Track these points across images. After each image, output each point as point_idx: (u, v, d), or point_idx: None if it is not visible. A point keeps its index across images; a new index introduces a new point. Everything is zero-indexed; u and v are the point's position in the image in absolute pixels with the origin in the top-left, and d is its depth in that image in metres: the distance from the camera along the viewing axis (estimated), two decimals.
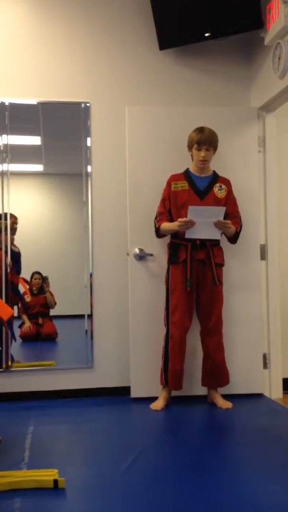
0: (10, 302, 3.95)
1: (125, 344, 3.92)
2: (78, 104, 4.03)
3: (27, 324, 4.34)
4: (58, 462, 2.71)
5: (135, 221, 3.90)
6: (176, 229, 3.59)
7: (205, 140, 3.60)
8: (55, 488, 2.41)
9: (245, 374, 3.92)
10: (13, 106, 3.96)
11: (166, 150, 3.92)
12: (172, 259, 3.68)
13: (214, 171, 3.75)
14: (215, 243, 3.66)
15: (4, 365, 3.91)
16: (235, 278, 3.91)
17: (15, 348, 4.11)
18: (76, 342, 4.22)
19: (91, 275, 4.04)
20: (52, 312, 4.42)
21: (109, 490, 2.43)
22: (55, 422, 3.44)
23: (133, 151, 3.91)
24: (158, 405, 3.67)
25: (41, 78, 3.99)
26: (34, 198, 4.41)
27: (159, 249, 3.87)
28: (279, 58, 3.53)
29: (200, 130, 3.63)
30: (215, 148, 3.67)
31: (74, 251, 4.21)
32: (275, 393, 4.06)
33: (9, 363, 3.93)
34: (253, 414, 3.62)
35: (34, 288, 4.35)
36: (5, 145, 3.97)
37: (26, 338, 4.33)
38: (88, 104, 4.03)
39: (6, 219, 3.98)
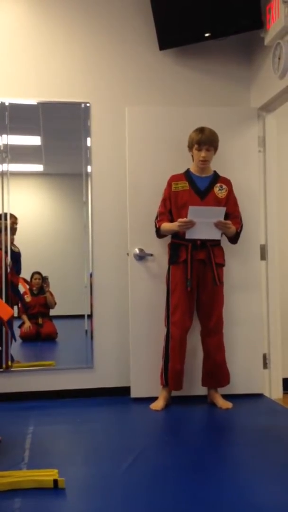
0: (10, 302, 3.95)
1: (125, 344, 3.92)
2: (78, 104, 4.03)
3: (27, 324, 4.34)
4: (58, 462, 2.71)
5: (135, 221, 3.90)
6: (177, 229, 3.59)
7: (205, 140, 3.60)
8: (55, 488, 2.41)
9: (245, 374, 3.92)
10: (13, 106, 3.96)
11: (166, 150, 3.92)
12: (173, 259, 3.68)
13: (214, 171, 3.75)
14: (216, 243, 3.66)
15: (4, 365, 3.91)
16: (235, 278, 3.91)
17: (15, 348, 4.11)
18: (76, 342, 4.22)
19: (91, 275, 4.04)
20: (52, 312, 4.42)
21: (109, 490, 2.43)
22: (55, 422, 3.44)
23: (133, 151, 3.91)
24: (158, 405, 3.67)
25: (41, 78, 3.99)
26: (34, 198, 4.41)
27: (159, 249, 3.87)
28: (279, 58, 3.53)
29: (201, 130, 3.63)
30: (215, 148, 3.67)
31: (74, 251, 4.21)
32: (275, 393, 4.06)
33: (9, 363, 3.93)
34: (253, 414, 3.62)
35: (34, 288, 4.35)
36: (5, 145, 3.97)
37: (26, 338, 4.33)
38: (88, 104, 4.03)
39: (6, 219, 3.98)
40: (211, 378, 3.74)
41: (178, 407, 3.70)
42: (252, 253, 3.98)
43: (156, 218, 3.74)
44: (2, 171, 3.96)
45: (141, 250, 3.88)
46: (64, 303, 4.39)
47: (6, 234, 3.98)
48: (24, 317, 4.34)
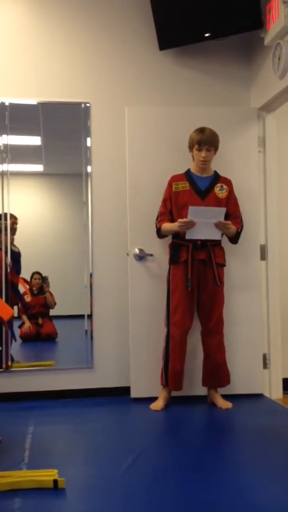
0: (10, 302, 3.95)
1: (125, 344, 3.92)
2: (78, 104, 4.03)
3: (27, 324, 4.34)
4: (58, 462, 2.71)
5: (135, 221, 3.90)
6: (177, 229, 3.59)
7: (205, 141, 3.60)
8: (55, 488, 2.41)
9: (245, 374, 3.92)
10: (13, 106, 3.96)
11: (166, 150, 3.91)
12: (173, 259, 3.68)
13: (215, 171, 3.75)
14: (216, 243, 3.66)
15: (4, 365, 3.91)
16: (235, 278, 3.91)
17: (15, 348, 4.11)
18: (76, 342, 4.22)
19: (91, 275, 4.04)
20: (52, 312, 4.42)
21: (109, 490, 2.43)
22: (55, 422, 3.44)
23: (133, 151, 3.91)
24: (158, 405, 3.67)
25: (41, 78, 3.99)
26: (34, 198, 4.41)
27: (159, 250, 3.87)
28: (279, 59, 3.53)
29: (201, 130, 3.63)
30: (216, 148, 3.67)
31: (74, 251, 4.21)
32: (275, 393, 4.06)
33: (9, 363, 3.93)
34: (253, 414, 3.62)
35: (34, 288, 4.35)
36: (5, 145, 3.97)
37: (26, 338, 4.33)
38: (88, 104, 4.03)
39: (6, 219, 3.98)
40: (212, 378, 3.74)
41: (178, 407, 3.70)
42: (252, 253, 3.98)
43: (157, 218, 3.74)
44: (2, 171, 3.96)
45: (141, 250, 3.88)
46: (64, 303, 4.39)
47: (6, 234, 3.98)
48: (24, 317, 4.34)
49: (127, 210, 3.92)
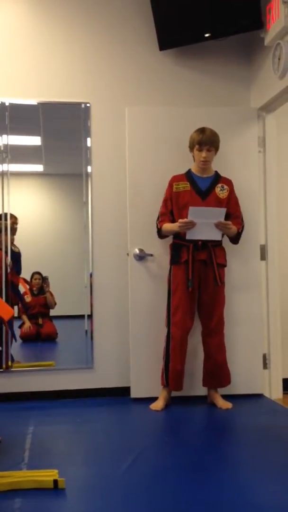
0: (10, 302, 3.94)
1: (125, 344, 3.92)
2: (78, 104, 4.03)
3: (27, 324, 4.34)
4: (58, 462, 2.71)
5: (135, 221, 3.90)
6: (177, 229, 3.59)
7: (206, 141, 3.60)
8: (55, 488, 2.41)
9: (245, 374, 3.92)
10: (13, 106, 3.96)
11: (166, 151, 3.92)
12: (174, 260, 3.68)
13: (216, 172, 3.75)
14: (217, 243, 3.66)
15: (4, 365, 3.91)
16: (235, 279, 3.91)
17: (15, 348, 4.11)
18: (76, 342, 4.22)
19: (91, 275, 4.04)
20: (52, 312, 4.42)
21: (109, 490, 2.43)
22: (55, 422, 3.44)
23: (133, 151, 3.91)
24: (158, 405, 3.67)
25: (41, 78, 3.99)
26: (34, 198, 4.41)
27: (159, 250, 3.87)
28: (279, 59, 3.53)
29: (201, 130, 3.63)
30: (216, 148, 3.67)
31: (74, 251, 4.21)
32: (275, 393, 4.06)
33: (9, 363, 3.93)
34: (253, 414, 3.62)
35: (34, 288, 4.35)
36: (5, 145, 3.97)
37: (26, 339, 4.33)
38: (88, 105, 4.03)
39: (6, 219, 3.98)
40: (212, 378, 3.74)
41: (178, 407, 3.70)
42: (252, 253, 3.98)
43: (158, 219, 3.74)
44: (2, 171, 3.96)
45: (141, 250, 3.88)
46: (64, 303, 4.39)
47: (6, 234, 3.98)
48: (24, 317, 4.34)
49: (127, 210, 3.92)
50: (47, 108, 4.05)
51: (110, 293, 4.03)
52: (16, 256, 4.08)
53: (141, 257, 3.89)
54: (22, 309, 4.31)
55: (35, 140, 4.31)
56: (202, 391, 3.84)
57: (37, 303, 4.38)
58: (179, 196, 3.68)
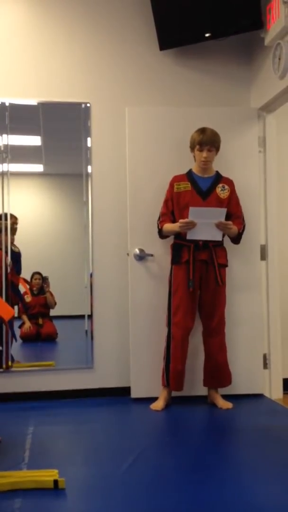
0: (11, 302, 3.94)
1: (125, 344, 3.92)
2: (78, 104, 4.03)
3: (27, 324, 4.34)
4: (58, 462, 2.71)
5: (135, 221, 3.90)
6: (178, 230, 3.59)
7: (207, 141, 3.60)
8: (55, 488, 2.41)
9: (246, 375, 3.91)
10: (13, 106, 3.96)
11: (166, 151, 3.92)
12: (175, 260, 3.68)
13: (217, 172, 3.75)
14: (218, 243, 3.66)
15: (4, 365, 3.91)
16: (235, 279, 3.91)
17: (15, 348, 4.11)
18: (76, 342, 4.22)
19: (91, 275, 4.04)
20: (52, 312, 4.42)
21: (109, 490, 2.43)
22: (55, 422, 3.44)
23: (133, 152, 3.91)
24: (158, 405, 3.67)
25: (41, 78, 3.99)
26: (34, 198, 4.41)
27: (159, 250, 3.87)
28: (279, 59, 3.53)
29: (202, 130, 3.63)
30: (217, 148, 3.68)
31: (74, 251, 4.21)
32: (275, 393, 4.06)
33: (9, 363, 3.93)
34: (253, 414, 3.62)
35: (34, 288, 4.35)
36: (5, 145, 3.97)
37: (26, 339, 4.33)
38: (88, 105, 4.03)
39: (6, 219, 3.98)
40: (213, 378, 3.74)
41: (178, 407, 3.70)
42: (252, 253, 3.98)
43: (159, 219, 3.74)
44: (2, 171, 3.96)
45: (141, 250, 3.88)
46: (64, 303, 4.39)
47: (6, 234, 3.98)
48: (24, 317, 4.34)
49: (127, 210, 3.92)
50: (47, 108, 4.05)
51: (110, 293, 4.03)
52: (16, 256, 4.08)
53: (141, 257, 3.89)
54: (22, 309, 4.31)
55: (35, 140, 4.31)
56: (202, 391, 3.84)
57: (37, 303, 4.38)
58: (180, 196, 3.68)
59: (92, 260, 4.03)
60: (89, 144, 4.05)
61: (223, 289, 3.70)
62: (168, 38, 3.94)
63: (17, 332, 4.25)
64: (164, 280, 3.78)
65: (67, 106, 4.03)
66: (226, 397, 3.76)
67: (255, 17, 3.73)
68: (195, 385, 3.84)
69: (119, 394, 3.95)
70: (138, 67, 4.09)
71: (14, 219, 4.03)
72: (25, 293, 4.25)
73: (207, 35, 3.88)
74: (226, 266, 3.72)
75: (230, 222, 3.59)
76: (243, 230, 3.73)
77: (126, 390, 3.91)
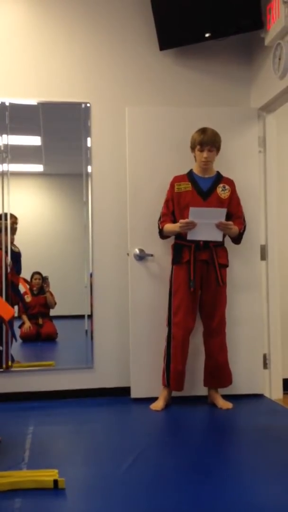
0: (11, 302, 3.94)
1: (125, 344, 3.92)
2: (78, 104, 4.03)
3: (27, 324, 4.34)
4: (58, 462, 2.71)
5: (135, 222, 3.90)
6: (178, 230, 3.59)
7: (207, 141, 3.60)
8: (55, 488, 2.41)
9: (246, 375, 3.91)
10: (13, 106, 3.96)
11: (166, 151, 3.92)
12: (176, 260, 3.68)
13: (218, 172, 3.75)
14: (219, 244, 3.66)
15: (4, 365, 3.91)
16: (236, 279, 3.91)
17: (15, 348, 4.11)
18: (76, 342, 4.22)
19: (91, 275, 4.04)
20: (52, 312, 4.42)
21: (109, 490, 2.42)
22: (55, 422, 3.44)
23: (133, 152, 3.91)
24: (158, 405, 3.67)
25: (41, 78, 3.99)
26: (34, 198, 4.41)
27: (159, 250, 3.87)
28: (279, 59, 3.53)
29: (203, 131, 3.63)
30: (218, 148, 3.68)
31: (74, 251, 4.21)
32: (275, 393, 4.06)
33: (9, 363, 3.93)
34: (253, 414, 3.62)
35: (34, 288, 4.35)
36: (5, 145, 3.97)
37: (26, 338, 4.33)
38: (88, 105, 4.03)
39: (6, 219, 3.98)
40: (213, 379, 3.74)
41: (178, 407, 3.70)
42: (252, 253, 3.98)
43: (159, 219, 3.74)
44: (2, 171, 3.96)
45: (141, 250, 3.88)
46: (64, 303, 4.39)
47: (6, 234, 3.98)
48: (24, 317, 4.34)
49: (127, 210, 3.92)
50: (47, 108, 4.05)
51: (110, 293, 4.03)
52: (16, 256, 4.08)
53: (141, 257, 3.89)
54: (22, 309, 4.31)
55: (35, 140, 4.31)
56: (202, 391, 3.84)
57: (37, 303, 4.38)
58: (180, 196, 3.68)
59: (92, 260, 4.03)
60: (89, 144, 4.05)
61: (223, 289, 3.70)
62: (168, 38, 3.94)
63: (17, 332, 4.26)
64: (164, 280, 3.78)
65: (67, 106, 4.03)
66: (226, 397, 3.76)
67: (255, 17, 3.73)
68: (195, 385, 3.84)
69: (119, 394, 3.95)
70: (138, 67, 4.09)
71: (14, 219, 4.03)
72: (25, 293, 4.25)
73: (207, 35, 3.88)
74: (227, 266, 3.72)
75: (230, 222, 3.59)
76: (243, 230, 3.73)
77: (126, 390, 3.91)
